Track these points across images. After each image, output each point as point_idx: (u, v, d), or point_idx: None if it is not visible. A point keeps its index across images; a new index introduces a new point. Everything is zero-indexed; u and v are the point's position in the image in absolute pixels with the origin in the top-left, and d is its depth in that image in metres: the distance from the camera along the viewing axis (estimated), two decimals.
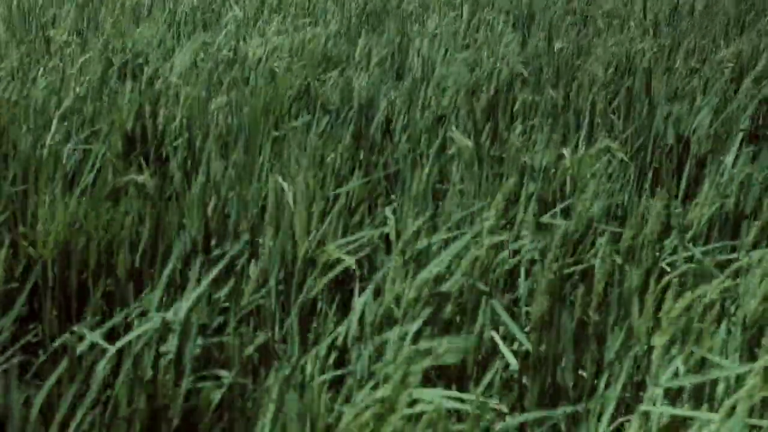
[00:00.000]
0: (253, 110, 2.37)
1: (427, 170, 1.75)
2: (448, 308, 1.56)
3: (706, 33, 4.86)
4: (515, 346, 1.65)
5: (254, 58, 3.37)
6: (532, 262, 1.94)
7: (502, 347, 1.68)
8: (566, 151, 2.29)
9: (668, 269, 1.97)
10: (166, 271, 1.53)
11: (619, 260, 1.75)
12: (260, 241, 1.96)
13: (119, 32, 4.08)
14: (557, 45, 3.82)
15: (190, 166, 2.34)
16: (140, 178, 1.84)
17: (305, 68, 3.08)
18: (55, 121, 2.56)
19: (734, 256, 1.88)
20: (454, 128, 2.45)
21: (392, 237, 1.54)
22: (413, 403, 1.27)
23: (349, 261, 1.62)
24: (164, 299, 1.69)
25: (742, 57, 3.94)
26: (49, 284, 1.87)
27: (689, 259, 1.89)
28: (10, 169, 2.21)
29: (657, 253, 1.93)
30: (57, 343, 1.51)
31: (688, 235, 2.01)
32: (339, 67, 3.39)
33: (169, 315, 1.36)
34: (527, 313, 1.96)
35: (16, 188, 1.94)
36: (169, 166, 2.27)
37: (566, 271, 1.92)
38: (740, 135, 2.24)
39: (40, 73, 3.27)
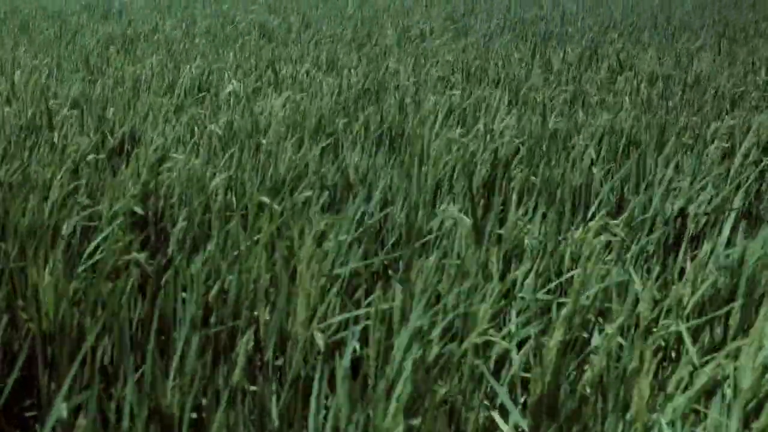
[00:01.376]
0: (252, 186, 2.40)
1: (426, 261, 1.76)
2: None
3: (700, 107, 4.92)
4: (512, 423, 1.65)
5: (252, 131, 3.41)
6: (529, 342, 1.95)
7: (502, 424, 1.68)
8: (565, 231, 2.31)
9: (663, 344, 1.98)
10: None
11: (615, 339, 1.76)
12: (258, 317, 1.96)
13: (119, 105, 4.13)
14: (551, 122, 3.87)
15: (189, 242, 2.36)
16: (139, 257, 1.86)
17: (301, 143, 3.11)
18: (55, 196, 2.58)
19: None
20: (451, 205, 2.47)
21: (395, 319, 1.55)
22: None
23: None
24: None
25: (735, 132, 3.99)
26: (47, 358, 1.87)
27: (681, 337, 1.90)
28: (8, 241, 2.22)
29: (653, 330, 1.94)
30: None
31: (683, 313, 2.02)
32: (333, 138, 3.42)
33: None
34: (525, 391, 1.96)
35: (14, 263, 1.94)
36: (170, 242, 2.28)
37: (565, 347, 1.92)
38: (732, 214, 2.26)
39: (39, 146, 3.30)
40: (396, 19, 10.69)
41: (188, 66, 5.29)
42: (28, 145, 3.42)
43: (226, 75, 5.17)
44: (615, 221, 2.32)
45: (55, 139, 3.36)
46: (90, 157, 3.18)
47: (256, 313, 1.96)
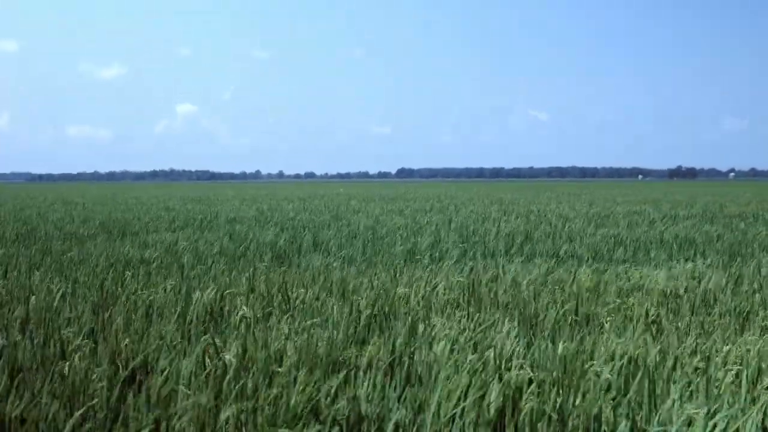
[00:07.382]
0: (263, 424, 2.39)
1: None
2: None
3: (709, 329, 4.91)
4: None
5: (264, 364, 3.42)
6: None
7: None
8: None
9: None
10: None
11: None
12: None
13: (130, 334, 4.17)
14: (561, 347, 3.88)
15: None
16: None
17: (314, 378, 3.12)
18: None
19: None
20: None
21: None
22: None
23: None
24: None
25: (747, 356, 3.96)
26: None
27: None
28: None
29: None
30: None
31: None
32: (345, 372, 3.43)
33: None
34: None
35: None
36: None
37: None
38: None
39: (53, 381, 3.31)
40: (405, 237, 10.89)
41: (200, 292, 5.36)
42: (39, 376, 3.43)
43: (239, 300, 5.24)
44: None
45: (66, 371, 3.38)
46: (100, 386, 3.18)
47: None
